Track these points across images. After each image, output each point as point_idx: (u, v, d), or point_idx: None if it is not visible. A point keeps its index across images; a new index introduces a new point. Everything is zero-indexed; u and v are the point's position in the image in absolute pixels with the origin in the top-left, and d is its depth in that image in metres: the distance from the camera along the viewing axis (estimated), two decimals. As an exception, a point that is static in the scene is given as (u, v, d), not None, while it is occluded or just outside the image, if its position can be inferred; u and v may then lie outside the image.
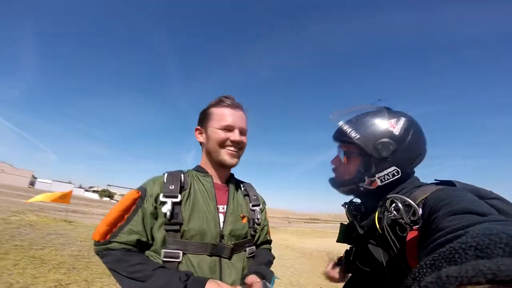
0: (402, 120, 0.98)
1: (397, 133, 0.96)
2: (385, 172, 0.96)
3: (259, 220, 1.22)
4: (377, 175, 0.97)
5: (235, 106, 1.20)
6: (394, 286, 0.85)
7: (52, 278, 3.99)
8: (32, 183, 65.99)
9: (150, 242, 1.04)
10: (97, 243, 1.02)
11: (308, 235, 24.98)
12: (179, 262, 0.98)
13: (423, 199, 0.82)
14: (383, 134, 0.96)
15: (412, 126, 0.98)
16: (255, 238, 1.22)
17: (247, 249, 1.14)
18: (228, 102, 1.19)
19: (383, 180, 0.97)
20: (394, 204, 0.86)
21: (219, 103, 1.20)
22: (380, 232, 0.88)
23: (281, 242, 16.23)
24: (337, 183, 1.11)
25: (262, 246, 1.30)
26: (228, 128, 1.15)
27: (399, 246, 0.83)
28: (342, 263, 1.25)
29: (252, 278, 0.97)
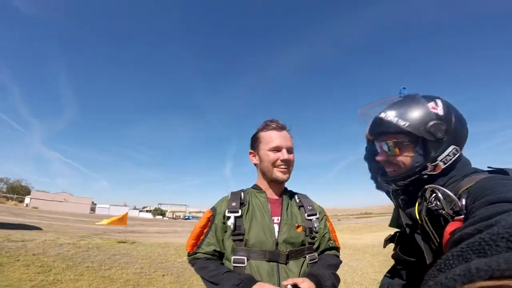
0: (440, 101, 0.95)
1: (442, 113, 0.93)
2: (446, 153, 0.92)
3: (317, 228, 1.33)
4: (439, 158, 0.93)
5: (279, 128, 1.36)
6: None
7: (122, 295, 4.36)
8: (92, 209, 71.95)
9: (223, 251, 1.27)
10: (188, 254, 1.33)
11: (360, 230, 24.05)
12: (244, 267, 1.17)
13: (467, 188, 0.79)
14: (430, 116, 0.93)
15: (451, 106, 0.96)
16: (316, 246, 1.32)
17: (307, 256, 1.25)
18: (273, 125, 1.36)
19: (446, 162, 0.93)
20: (434, 194, 0.84)
21: (265, 127, 1.37)
22: (420, 222, 0.88)
23: (331, 243, 15.76)
24: (396, 178, 1.04)
25: (326, 252, 1.37)
26: (277, 149, 1.31)
27: (438, 239, 0.81)
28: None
29: (287, 281, 1.07)
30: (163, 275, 6.07)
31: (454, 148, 0.93)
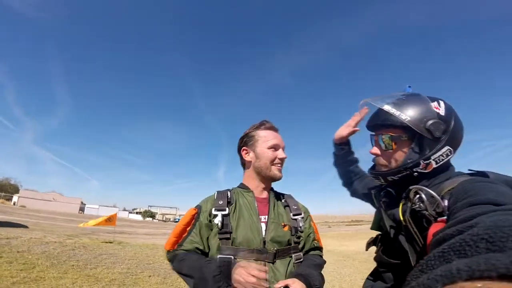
0: (442, 103, 0.97)
1: (443, 114, 0.94)
2: (440, 152, 0.94)
3: (302, 228, 1.34)
4: (432, 157, 0.94)
5: (275, 128, 1.42)
6: None
7: (106, 293, 4.30)
8: (81, 209, 70.66)
9: (207, 250, 1.25)
10: (168, 252, 1.28)
11: (350, 237, 24.07)
12: None
13: (449, 190, 0.81)
14: (431, 114, 0.94)
15: (452, 109, 0.98)
16: (301, 245, 1.33)
17: (293, 255, 1.26)
18: (269, 125, 1.41)
19: (438, 162, 0.94)
20: (418, 195, 0.84)
21: (260, 126, 1.41)
22: (404, 223, 0.88)
23: (321, 249, 15.79)
24: (385, 173, 1.04)
25: (310, 253, 1.38)
26: (275, 147, 1.35)
27: (422, 240, 0.81)
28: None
29: (279, 283, 1.09)
30: (150, 276, 5.99)
31: (448, 149, 0.94)
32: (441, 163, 0.94)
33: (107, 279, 5.31)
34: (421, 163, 0.95)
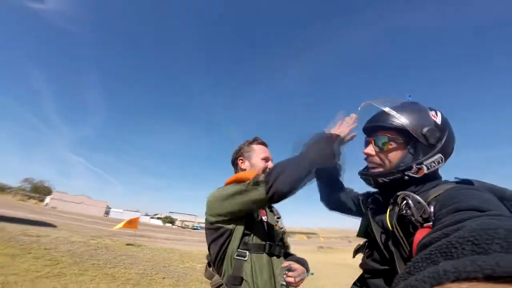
0: (440, 113, 1.00)
1: (439, 123, 0.97)
2: (432, 159, 0.95)
3: (283, 229, 1.63)
4: (425, 162, 0.94)
5: (265, 144, 1.69)
6: None
7: (121, 291, 4.51)
8: (107, 212, 73.58)
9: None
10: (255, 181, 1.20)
11: None
12: (245, 260, 1.30)
13: (435, 196, 0.82)
14: (429, 122, 0.96)
15: (448, 120, 1.01)
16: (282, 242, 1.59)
17: (282, 250, 1.50)
18: (260, 141, 1.67)
19: (429, 168, 0.95)
20: (405, 201, 0.85)
21: (254, 141, 1.67)
22: (391, 229, 0.88)
23: (339, 261, 15.42)
24: (377, 174, 1.04)
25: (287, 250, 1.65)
26: (266, 159, 1.60)
27: (408, 246, 0.82)
28: None
29: (284, 263, 1.32)
30: (164, 278, 6.18)
31: (440, 157, 0.95)
32: (432, 169, 0.95)
33: (124, 278, 5.55)
34: (414, 167, 0.95)
